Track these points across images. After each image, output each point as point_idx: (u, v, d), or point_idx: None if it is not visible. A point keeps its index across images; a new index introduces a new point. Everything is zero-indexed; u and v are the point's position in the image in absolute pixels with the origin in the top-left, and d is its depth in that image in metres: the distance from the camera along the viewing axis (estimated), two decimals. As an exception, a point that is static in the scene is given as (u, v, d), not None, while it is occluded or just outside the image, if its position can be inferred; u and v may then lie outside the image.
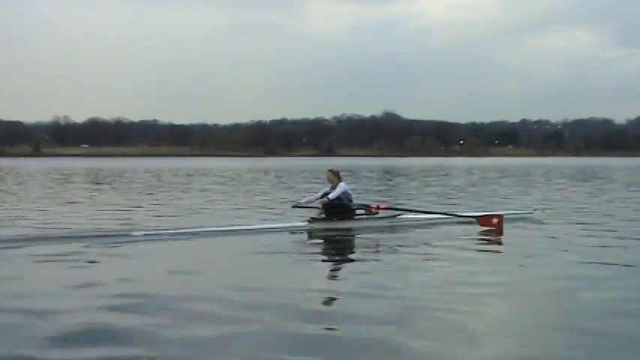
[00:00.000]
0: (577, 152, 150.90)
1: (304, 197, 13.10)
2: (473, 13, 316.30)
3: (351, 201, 12.20)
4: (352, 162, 77.76)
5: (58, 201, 19.58)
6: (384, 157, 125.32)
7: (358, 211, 12.30)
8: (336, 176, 12.21)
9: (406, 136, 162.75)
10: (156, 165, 66.02)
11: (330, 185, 12.26)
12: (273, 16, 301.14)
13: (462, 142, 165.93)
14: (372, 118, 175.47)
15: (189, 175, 40.48)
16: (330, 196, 11.95)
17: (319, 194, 12.25)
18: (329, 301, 6.55)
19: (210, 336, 5.32)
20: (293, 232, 11.54)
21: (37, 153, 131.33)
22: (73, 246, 9.84)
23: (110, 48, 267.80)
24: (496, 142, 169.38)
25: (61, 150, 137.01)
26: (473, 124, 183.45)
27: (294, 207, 12.57)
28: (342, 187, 12.06)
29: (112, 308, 6.13)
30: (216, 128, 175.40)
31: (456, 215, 12.91)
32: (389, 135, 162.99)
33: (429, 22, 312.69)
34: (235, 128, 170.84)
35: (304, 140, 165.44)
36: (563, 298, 6.70)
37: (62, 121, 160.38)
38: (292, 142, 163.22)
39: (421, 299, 6.52)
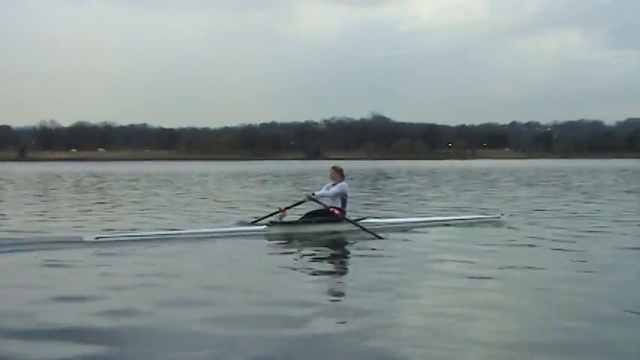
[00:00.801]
0: (565, 154, 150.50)
1: (318, 190, 12.59)
2: (463, 15, 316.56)
3: (345, 202, 12.05)
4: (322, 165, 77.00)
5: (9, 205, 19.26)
6: (371, 160, 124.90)
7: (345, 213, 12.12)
8: (339, 174, 12.19)
9: (395, 139, 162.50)
10: (128, 169, 65.39)
11: (332, 182, 12.23)
12: (263, 20, 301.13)
13: (450, 144, 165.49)
14: (361, 121, 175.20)
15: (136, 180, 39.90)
16: (318, 192, 12.08)
17: (323, 190, 12.18)
18: (281, 309, 6.31)
19: (159, 345, 5.19)
20: (251, 237, 11.32)
21: (22, 157, 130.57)
22: (25, 253, 9.56)
23: (100, 52, 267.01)
24: (485, 144, 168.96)
25: (47, 154, 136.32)
26: (463, 126, 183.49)
27: (309, 199, 12.11)
28: (341, 186, 12.05)
29: (56, 318, 5.91)
30: (205, 132, 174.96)
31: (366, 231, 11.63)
32: (378, 138, 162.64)
33: (419, 25, 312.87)
34: (225, 132, 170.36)
35: (292, 143, 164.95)
36: (531, 299, 6.76)
37: (49, 126, 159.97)
38: (280, 145, 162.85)
39: (380, 304, 6.45)
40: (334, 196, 11.95)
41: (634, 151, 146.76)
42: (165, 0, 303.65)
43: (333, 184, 12.13)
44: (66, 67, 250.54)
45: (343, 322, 5.84)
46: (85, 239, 10.48)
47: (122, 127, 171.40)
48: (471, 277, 7.81)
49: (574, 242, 10.77)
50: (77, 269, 8.44)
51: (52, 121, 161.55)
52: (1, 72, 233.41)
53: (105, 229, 12.05)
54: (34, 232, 11.97)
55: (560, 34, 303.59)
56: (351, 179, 36.06)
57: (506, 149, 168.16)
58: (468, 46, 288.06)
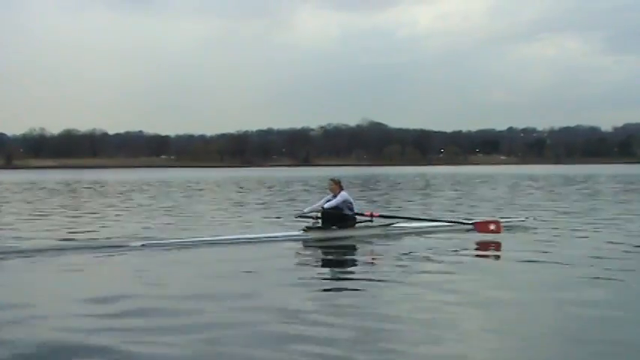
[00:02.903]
0: (557, 160, 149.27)
1: (307, 207, 12.96)
2: (462, 22, 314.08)
3: (352, 210, 12.24)
4: (304, 172, 76.31)
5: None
6: (360, 167, 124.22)
7: (356, 219, 12.36)
8: (337, 185, 12.35)
9: (388, 145, 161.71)
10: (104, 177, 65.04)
11: (331, 194, 12.35)
12: (261, 27, 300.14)
13: (442, 150, 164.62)
14: (354, 128, 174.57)
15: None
16: (326, 205, 12.17)
17: (321, 203, 12.34)
18: (321, 314, 6.38)
19: (202, 346, 5.37)
20: (289, 241, 11.61)
21: (8, 165, 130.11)
22: (73, 257, 9.96)
23: (99, 59, 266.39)
24: (477, 150, 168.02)
25: (33, 162, 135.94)
26: (460, 132, 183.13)
27: (297, 217, 12.69)
28: (342, 196, 12.20)
29: (110, 321, 6.13)
30: (203, 139, 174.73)
31: (452, 222, 12.52)
32: (372, 144, 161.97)
33: (418, 31, 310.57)
34: (221, 139, 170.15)
35: (283, 150, 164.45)
36: (568, 303, 6.75)
37: (37, 133, 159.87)
38: (271, 152, 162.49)
39: (417, 309, 6.51)
40: (338, 205, 12.16)
41: (627, 156, 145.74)
42: (163, 8, 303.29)
43: (334, 196, 12.28)
44: (61, 75, 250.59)
45: (356, 325, 5.89)
46: (132, 245, 10.95)
47: (110, 135, 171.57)
48: (495, 281, 7.99)
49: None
50: (125, 273, 8.85)
51: (42, 129, 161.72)
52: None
53: (150, 236, 12.30)
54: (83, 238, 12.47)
55: (558, 39, 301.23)
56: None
57: (498, 155, 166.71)
58: (467, 52, 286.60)
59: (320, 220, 12.06)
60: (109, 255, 10.13)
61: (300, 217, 12.49)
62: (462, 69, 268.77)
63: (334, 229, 12.04)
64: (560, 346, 5.40)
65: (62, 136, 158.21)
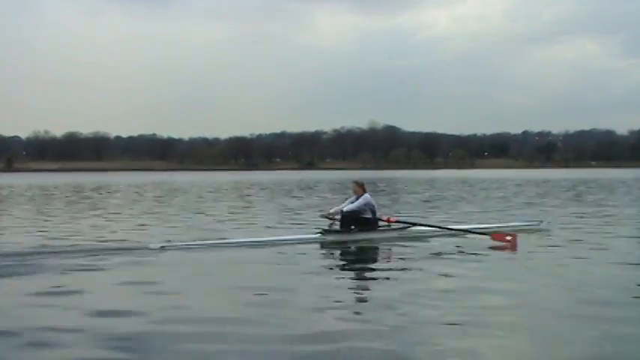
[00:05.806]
0: (566, 164, 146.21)
1: (333, 208, 13.07)
2: (480, 24, 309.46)
3: (374, 212, 12.39)
4: (301, 175, 74.71)
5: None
6: (366, 170, 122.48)
7: (378, 222, 12.48)
8: (360, 187, 12.55)
9: (396, 148, 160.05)
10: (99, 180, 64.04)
11: (354, 196, 12.52)
12: (279, 30, 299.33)
13: (450, 154, 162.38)
14: (365, 130, 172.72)
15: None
16: (345, 208, 12.31)
17: (344, 205, 12.51)
18: (337, 316, 6.42)
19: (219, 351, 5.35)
20: (306, 244, 11.61)
21: (8, 168, 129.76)
22: (90, 260, 9.80)
23: (113, 62, 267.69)
24: (485, 153, 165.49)
25: (34, 165, 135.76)
26: (474, 135, 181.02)
27: (322, 217, 12.87)
28: (365, 198, 12.36)
29: (131, 325, 6.01)
30: (215, 142, 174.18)
31: (468, 231, 12.45)
32: (378, 147, 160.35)
33: (436, 34, 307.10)
34: (227, 143, 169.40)
35: (290, 153, 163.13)
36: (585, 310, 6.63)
37: (41, 136, 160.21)
38: (277, 155, 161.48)
39: (432, 313, 6.48)
40: (359, 208, 12.28)
41: (639, 160, 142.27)
42: (180, 13, 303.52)
43: (356, 198, 12.42)
44: (73, 77, 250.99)
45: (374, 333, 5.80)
46: (151, 247, 10.94)
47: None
48: (516, 286, 7.88)
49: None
50: (146, 275, 8.69)
51: (46, 131, 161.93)
52: (4, 79, 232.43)
53: (169, 239, 12.31)
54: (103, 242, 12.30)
55: (576, 42, 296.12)
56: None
57: (506, 159, 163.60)
58: (484, 55, 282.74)
59: (339, 223, 12.19)
60: (128, 258, 10.02)
61: (325, 217, 12.59)
62: (479, 71, 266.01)
63: (352, 232, 12.12)
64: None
65: (65, 139, 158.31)
